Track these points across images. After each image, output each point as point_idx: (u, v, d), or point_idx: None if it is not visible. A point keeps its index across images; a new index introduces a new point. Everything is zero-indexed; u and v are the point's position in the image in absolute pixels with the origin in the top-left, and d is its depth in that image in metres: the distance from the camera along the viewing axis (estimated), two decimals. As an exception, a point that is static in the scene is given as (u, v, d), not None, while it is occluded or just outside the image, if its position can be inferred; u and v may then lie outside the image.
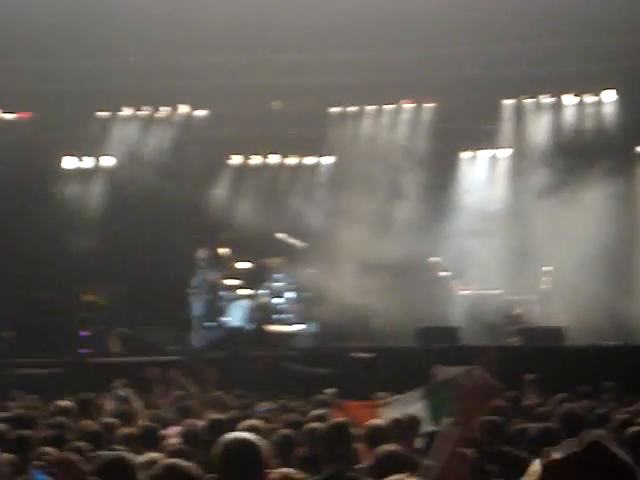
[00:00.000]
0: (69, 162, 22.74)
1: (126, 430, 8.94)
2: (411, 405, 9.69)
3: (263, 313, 20.18)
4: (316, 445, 7.55)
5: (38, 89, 22.06)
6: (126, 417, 10.43)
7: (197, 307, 20.22)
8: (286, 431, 8.05)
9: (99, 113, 22.59)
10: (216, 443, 4.95)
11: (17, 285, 20.61)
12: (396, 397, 10.40)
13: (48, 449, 4.81)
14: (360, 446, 7.64)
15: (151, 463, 5.77)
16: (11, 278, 20.75)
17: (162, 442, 8.38)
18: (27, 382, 15.68)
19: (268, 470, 4.98)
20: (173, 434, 9.21)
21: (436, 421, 8.99)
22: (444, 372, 13.02)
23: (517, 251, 19.28)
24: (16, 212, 21.52)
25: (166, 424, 9.95)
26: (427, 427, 8.75)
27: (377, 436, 7.65)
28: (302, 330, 20.03)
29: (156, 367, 13.24)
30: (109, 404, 11.58)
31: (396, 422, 8.48)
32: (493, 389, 3.39)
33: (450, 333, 17.43)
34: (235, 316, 20.37)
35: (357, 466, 7.13)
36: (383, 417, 9.44)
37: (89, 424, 9.22)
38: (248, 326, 19.62)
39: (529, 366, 13.24)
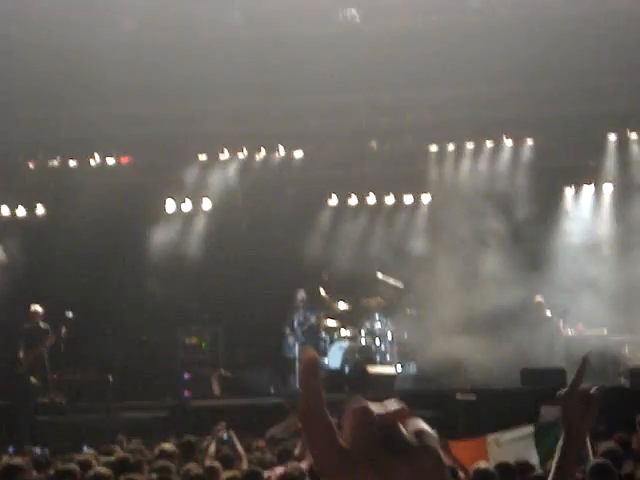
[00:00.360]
0: (170, 205, 22.94)
1: (230, 474, 8.91)
2: (522, 447, 9.44)
3: (363, 354, 20.00)
4: None
5: (137, 133, 22.38)
6: (229, 460, 10.40)
7: (297, 349, 20.14)
8: None
9: (199, 157, 22.80)
10: None
11: (121, 329, 20.80)
12: (506, 434, 10.15)
13: None
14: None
15: None
16: (113, 321, 20.96)
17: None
18: (131, 426, 15.77)
19: None
20: (275, 477, 9.15)
21: (546, 463, 8.75)
22: (551, 412, 12.72)
23: (624, 289, 18.84)
24: (117, 255, 21.78)
25: (267, 467, 9.89)
26: (537, 470, 8.51)
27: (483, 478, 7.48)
28: (402, 371, 19.81)
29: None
30: (212, 447, 11.56)
31: (504, 466, 8.25)
32: (591, 406, 3.25)
33: (555, 374, 17.03)
34: (335, 358, 20.23)
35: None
36: (492, 457, 9.21)
37: (193, 467, 9.26)
38: (348, 367, 19.45)
39: (638, 407, 12.82)
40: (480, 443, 10.27)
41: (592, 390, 3.24)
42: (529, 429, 10.11)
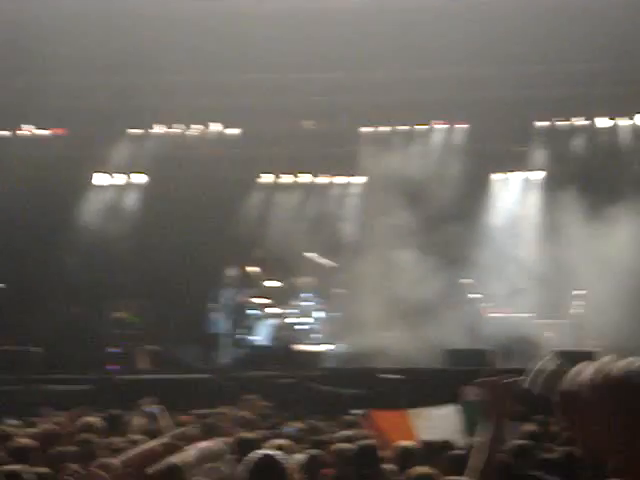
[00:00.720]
0: (101, 179, 22.90)
1: (151, 444, 8.95)
2: (445, 420, 9.63)
3: (291, 332, 20.20)
4: (344, 466, 7.54)
5: (71, 105, 22.24)
6: (154, 435, 10.42)
7: (225, 325, 20.27)
8: (314, 451, 8.03)
9: (131, 130, 22.74)
10: (244, 460, 5.04)
11: (46, 301, 20.73)
12: (428, 409, 10.34)
13: (75, 466, 4.81)
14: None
15: None
16: (41, 294, 20.89)
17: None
18: (54, 399, 15.72)
19: None
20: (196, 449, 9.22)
21: (470, 434, 8.94)
22: (472, 392, 12.92)
23: (549, 275, 19.22)
24: (47, 227, 21.69)
25: (190, 442, 9.94)
26: (461, 441, 8.70)
27: (407, 458, 7.64)
28: (330, 350, 20.01)
29: None
30: (137, 421, 11.58)
31: (427, 444, 8.44)
32: (513, 386, 3.53)
33: (478, 355, 17.36)
34: (263, 335, 20.40)
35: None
36: (416, 429, 9.38)
37: (117, 441, 9.26)
38: (275, 345, 19.63)
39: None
40: (403, 416, 10.44)
41: (506, 380, 3.52)
42: (453, 407, 10.30)
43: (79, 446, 8.75)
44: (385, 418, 10.50)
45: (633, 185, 19.68)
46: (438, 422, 9.71)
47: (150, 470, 4.71)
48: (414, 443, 8.49)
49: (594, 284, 18.27)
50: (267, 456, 5.07)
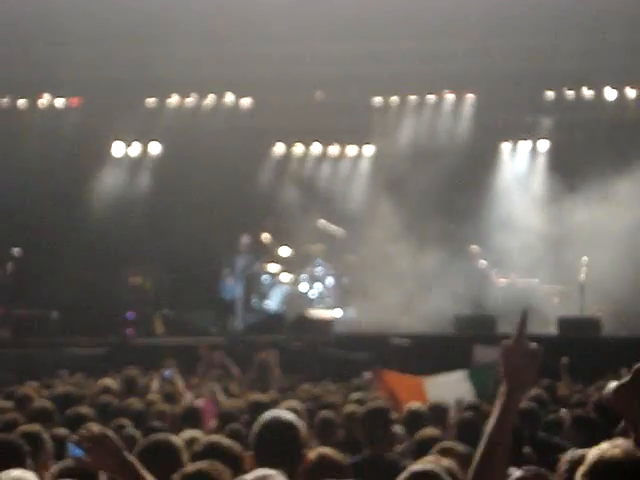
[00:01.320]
0: (118, 148, 23.05)
1: (168, 409, 9.18)
2: (458, 386, 9.86)
3: (303, 298, 20.46)
4: (355, 428, 7.75)
5: (87, 75, 22.38)
6: (171, 397, 10.74)
7: (239, 291, 20.52)
8: (326, 413, 8.20)
9: (147, 100, 22.86)
10: (256, 421, 5.06)
11: (65, 266, 20.96)
12: (440, 376, 10.58)
13: (92, 425, 4.93)
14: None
15: (192, 441, 5.94)
16: (60, 260, 21.12)
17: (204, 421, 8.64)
18: (73, 361, 16.06)
19: (306, 449, 5.04)
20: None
21: (482, 398, 9.23)
22: (483, 352, 13.29)
23: (555, 241, 19.40)
24: (65, 196, 21.87)
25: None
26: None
27: (416, 420, 7.89)
28: (341, 316, 20.29)
29: (207, 346, 13.41)
30: (155, 383, 11.91)
31: (434, 407, 8.70)
32: (535, 352, 3.43)
33: (487, 321, 17.59)
34: (275, 301, 20.69)
35: (395, 448, 7.37)
36: (429, 392, 9.62)
37: (134, 402, 9.46)
38: (288, 311, 19.88)
39: (565, 356, 13.39)
40: (416, 380, 10.67)
41: (533, 346, 3.41)
42: (463, 372, 10.52)
43: (97, 408, 8.98)
44: (397, 380, 10.73)
45: (635, 152, 19.80)
46: (450, 387, 9.90)
47: None
48: (423, 405, 8.69)
49: (600, 251, 18.42)
50: (279, 417, 5.03)
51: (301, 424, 5.02)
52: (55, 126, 22.38)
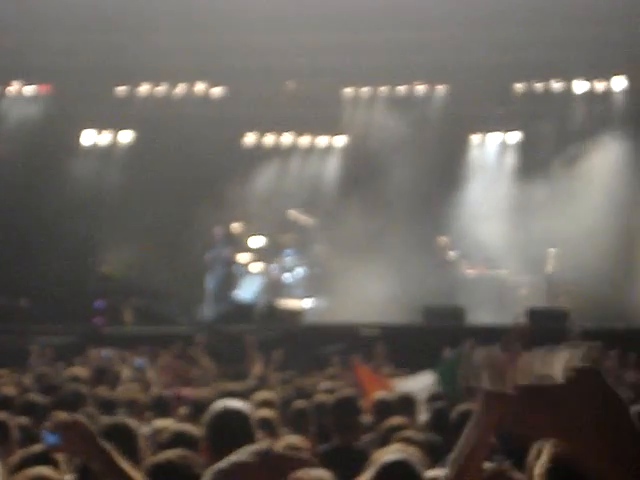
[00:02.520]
0: (88, 136, 22.96)
1: (135, 396, 9.18)
2: (425, 384, 9.92)
3: (274, 288, 20.50)
4: (325, 417, 7.74)
5: (59, 63, 22.27)
6: (143, 385, 10.75)
7: (210, 281, 20.53)
8: (300, 403, 8.25)
9: (118, 88, 22.79)
10: (207, 411, 5.04)
11: (34, 255, 20.88)
12: (409, 381, 10.67)
13: (61, 414, 4.96)
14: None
15: (162, 430, 6.07)
16: (28, 248, 21.03)
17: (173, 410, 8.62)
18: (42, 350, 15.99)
19: (257, 438, 4.98)
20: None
21: (448, 394, 9.30)
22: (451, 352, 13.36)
23: (524, 233, 19.51)
24: (34, 184, 21.77)
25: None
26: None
27: (383, 409, 7.93)
28: (311, 306, 20.34)
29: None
30: (126, 372, 11.92)
31: (403, 398, 8.76)
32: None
33: (457, 312, 17.68)
34: (247, 291, 20.71)
35: (363, 437, 7.43)
36: (396, 387, 9.68)
37: (103, 390, 9.53)
38: (259, 301, 19.91)
39: (537, 344, 13.45)
40: (385, 382, 10.74)
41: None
42: (430, 376, 10.58)
43: (65, 396, 8.85)
44: (368, 376, 10.80)
45: (604, 142, 19.98)
46: (419, 388, 9.94)
47: None
48: (392, 395, 8.75)
49: (568, 242, 18.58)
50: (227, 407, 5.02)
51: (250, 412, 5.03)
52: (25, 113, 22.25)
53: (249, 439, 4.82)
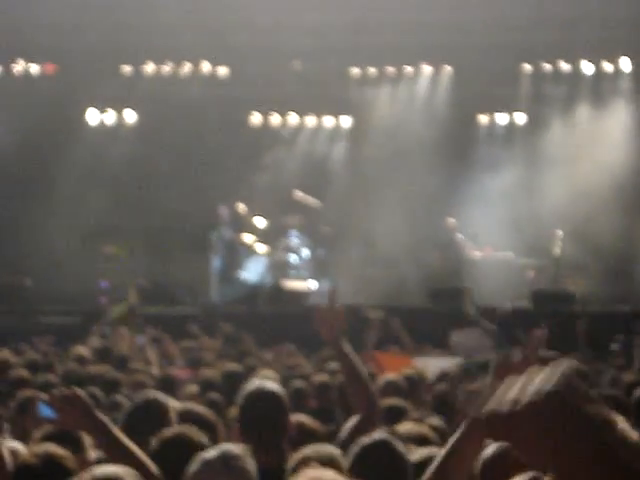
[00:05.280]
0: (92, 116, 22.87)
1: (141, 376, 9.18)
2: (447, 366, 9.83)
3: (279, 270, 20.41)
4: (328, 397, 7.80)
5: (61, 42, 22.18)
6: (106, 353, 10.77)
7: (215, 262, 20.47)
8: (299, 383, 8.23)
9: (123, 68, 22.69)
10: (241, 391, 5.02)
11: (39, 234, 20.85)
12: (434, 360, 10.60)
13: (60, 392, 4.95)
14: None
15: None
16: (32, 228, 21.00)
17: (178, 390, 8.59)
18: (46, 330, 15.97)
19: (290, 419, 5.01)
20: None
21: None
22: (461, 337, 13.29)
23: (532, 215, 19.42)
24: (39, 163, 21.73)
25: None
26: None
27: (389, 390, 7.83)
28: (316, 288, 20.25)
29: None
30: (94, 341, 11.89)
31: (408, 378, 8.68)
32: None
33: (461, 294, 17.59)
34: (252, 272, 20.61)
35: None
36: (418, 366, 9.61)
37: (105, 370, 9.49)
38: (265, 282, 19.83)
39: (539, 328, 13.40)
40: (407, 361, 10.67)
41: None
42: (457, 361, 10.49)
43: (65, 375, 9.03)
44: (388, 360, 10.74)
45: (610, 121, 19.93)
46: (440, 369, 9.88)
47: None
48: (400, 377, 8.63)
49: (572, 224, 18.53)
50: (262, 388, 5.00)
51: (284, 394, 5.00)
52: (29, 92, 22.16)
53: (283, 421, 4.85)
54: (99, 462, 4.56)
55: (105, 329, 14.23)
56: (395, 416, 6.35)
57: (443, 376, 9.04)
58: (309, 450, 4.43)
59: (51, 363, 10.29)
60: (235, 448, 3.97)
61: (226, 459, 3.88)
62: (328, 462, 4.20)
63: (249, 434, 4.56)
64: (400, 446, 4.42)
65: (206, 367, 10.37)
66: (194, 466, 3.90)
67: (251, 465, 3.93)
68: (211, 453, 3.94)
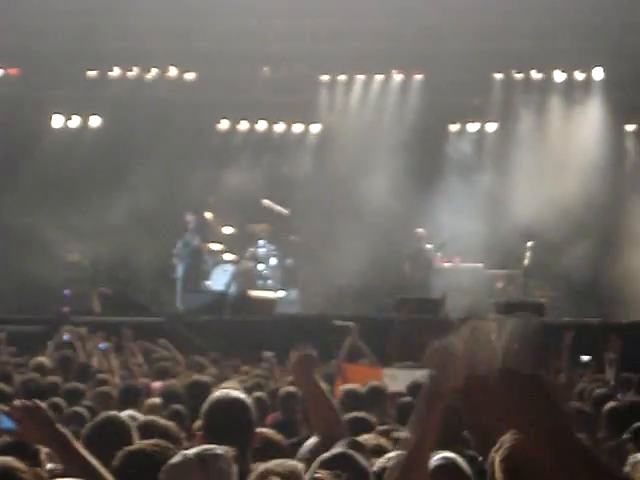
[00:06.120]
0: (57, 120, 22.64)
1: (105, 388, 9.00)
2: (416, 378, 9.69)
3: (246, 279, 20.20)
4: (292, 409, 7.72)
5: (27, 45, 21.94)
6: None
7: (181, 270, 20.25)
8: (259, 394, 8.11)
9: (88, 72, 22.47)
10: (207, 400, 5.00)
11: (2, 243, 20.59)
12: (404, 370, 10.46)
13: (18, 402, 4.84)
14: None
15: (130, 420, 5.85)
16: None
17: (141, 401, 8.43)
18: (7, 339, 15.68)
19: (255, 429, 5.00)
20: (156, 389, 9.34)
21: None
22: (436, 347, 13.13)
23: (502, 225, 19.32)
24: (1, 167, 21.48)
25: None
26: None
27: (351, 401, 7.72)
28: (284, 296, 20.07)
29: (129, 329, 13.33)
30: (96, 360, 11.70)
31: (373, 389, 8.53)
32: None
33: (431, 305, 17.47)
34: (218, 281, 20.39)
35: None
36: (385, 383, 9.47)
37: (66, 380, 9.45)
38: (231, 291, 19.64)
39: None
40: (377, 372, 10.53)
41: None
42: (425, 371, 10.32)
43: (27, 385, 8.93)
44: (357, 372, 10.60)
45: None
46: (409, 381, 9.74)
47: None
48: (361, 387, 8.51)
49: (544, 234, 18.48)
50: (228, 396, 5.05)
51: (249, 403, 4.97)
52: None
53: (248, 430, 4.85)
54: (55, 475, 4.57)
55: (67, 337, 13.92)
56: (360, 428, 6.16)
57: (415, 387, 8.83)
58: (271, 464, 4.36)
59: (9, 373, 10.08)
60: (216, 448, 3.95)
61: (204, 458, 3.86)
62: (290, 476, 4.16)
63: (212, 442, 4.41)
64: (361, 458, 4.35)
65: (171, 378, 10.21)
66: (172, 462, 3.90)
67: (229, 465, 3.90)
68: (191, 451, 3.93)
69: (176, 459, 3.90)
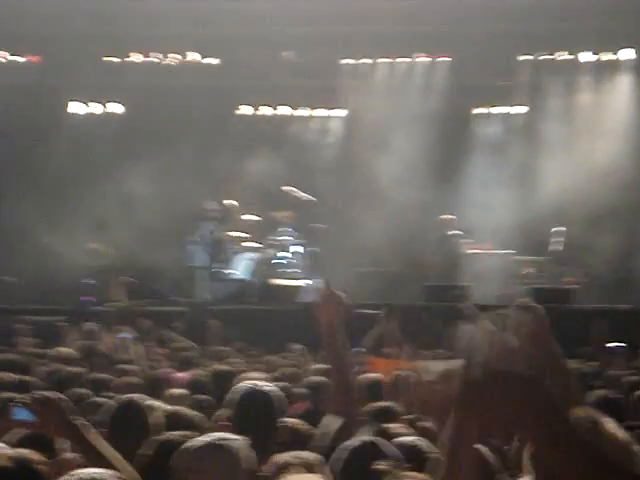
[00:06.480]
0: (76, 107, 22.59)
1: (129, 379, 8.95)
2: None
3: (269, 267, 20.05)
4: (318, 399, 7.62)
5: (47, 32, 21.85)
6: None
7: (202, 258, 20.12)
8: (285, 384, 7.92)
9: (107, 58, 22.41)
10: (234, 390, 5.11)
11: (20, 231, 20.54)
12: (437, 364, 10.23)
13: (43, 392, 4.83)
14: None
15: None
16: (15, 224, 20.68)
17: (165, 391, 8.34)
18: (28, 328, 15.63)
19: (281, 420, 5.08)
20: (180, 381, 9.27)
21: None
22: (465, 331, 12.85)
23: (532, 210, 19.09)
24: (20, 156, 21.39)
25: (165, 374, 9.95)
26: None
27: (375, 391, 7.68)
28: (307, 285, 19.87)
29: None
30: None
31: (373, 382, 8.36)
32: None
33: (458, 291, 17.27)
34: (240, 269, 20.25)
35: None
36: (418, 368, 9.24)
37: (90, 370, 9.41)
38: (253, 280, 19.51)
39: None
40: (406, 366, 10.31)
41: None
42: (458, 362, 10.11)
43: (50, 375, 8.90)
44: (383, 366, 10.40)
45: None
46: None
47: None
48: (384, 377, 8.41)
49: (575, 218, 18.29)
50: (255, 387, 5.10)
51: (278, 394, 5.07)
52: (12, 83, 21.88)
53: (273, 421, 4.96)
54: (72, 466, 4.41)
55: (89, 327, 13.87)
56: (385, 417, 6.19)
57: (447, 376, 8.58)
58: (288, 455, 4.38)
59: (29, 364, 10.02)
60: (231, 436, 3.95)
61: (217, 445, 3.85)
62: (309, 468, 4.18)
63: (241, 434, 4.39)
64: (388, 446, 4.38)
65: (195, 367, 10.11)
66: (185, 446, 3.90)
67: (244, 454, 3.86)
68: (205, 437, 3.94)
69: (189, 444, 3.89)
